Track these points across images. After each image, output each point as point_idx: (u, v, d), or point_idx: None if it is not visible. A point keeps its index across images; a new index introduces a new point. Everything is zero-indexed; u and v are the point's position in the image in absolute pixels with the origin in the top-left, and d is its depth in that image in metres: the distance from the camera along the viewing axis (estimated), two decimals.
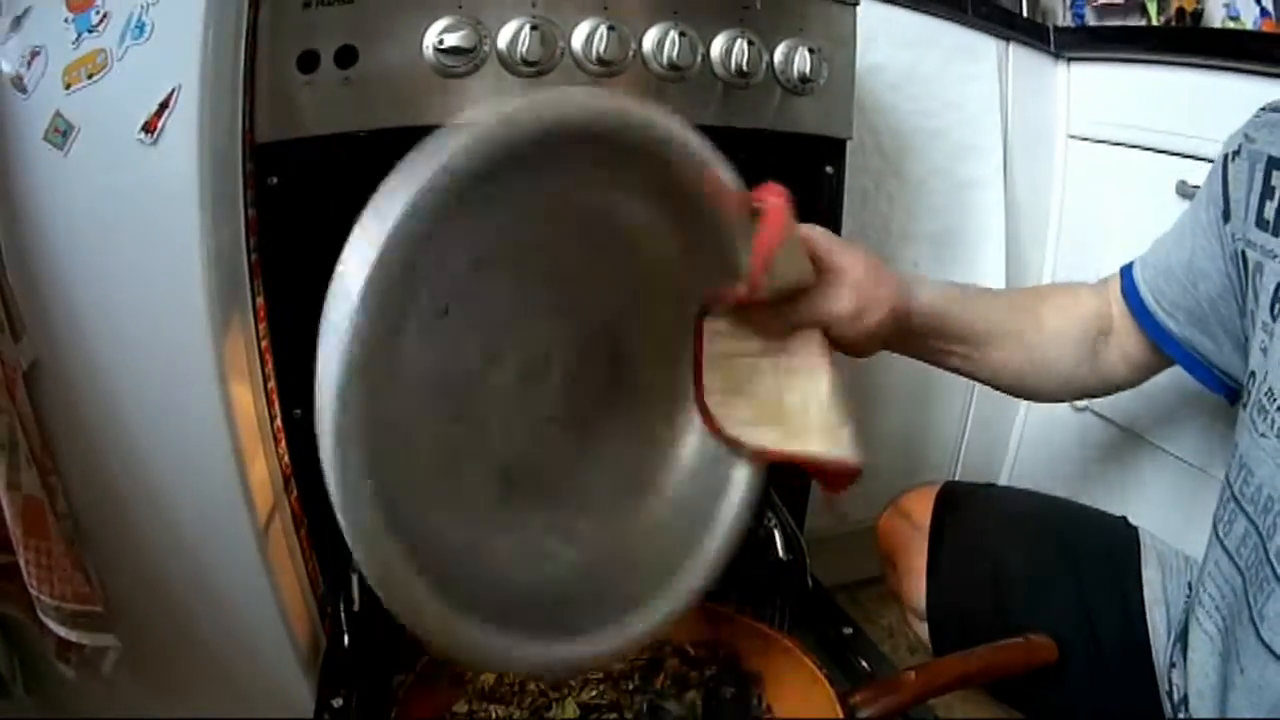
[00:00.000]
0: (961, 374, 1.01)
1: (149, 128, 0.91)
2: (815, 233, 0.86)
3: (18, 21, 0.93)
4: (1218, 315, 0.89)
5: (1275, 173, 0.80)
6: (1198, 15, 1.45)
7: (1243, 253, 0.83)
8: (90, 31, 0.91)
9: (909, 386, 1.70)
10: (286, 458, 1.09)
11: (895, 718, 0.87)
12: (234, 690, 1.18)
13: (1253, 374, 0.81)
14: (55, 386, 0.98)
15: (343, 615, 1.06)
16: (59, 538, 0.98)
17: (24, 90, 0.92)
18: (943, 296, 0.94)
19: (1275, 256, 0.79)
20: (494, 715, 0.90)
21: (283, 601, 1.10)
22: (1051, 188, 1.71)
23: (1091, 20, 1.83)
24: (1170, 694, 0.92)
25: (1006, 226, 1.64)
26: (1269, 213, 0.80)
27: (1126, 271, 0.99)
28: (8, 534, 0.98)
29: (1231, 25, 1.58)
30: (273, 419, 1.06)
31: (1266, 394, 0.78)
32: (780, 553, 1.21)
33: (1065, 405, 1.65)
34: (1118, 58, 1.57)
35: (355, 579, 1.07)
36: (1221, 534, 0.85)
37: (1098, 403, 1.57)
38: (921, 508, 1.13)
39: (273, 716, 1.15)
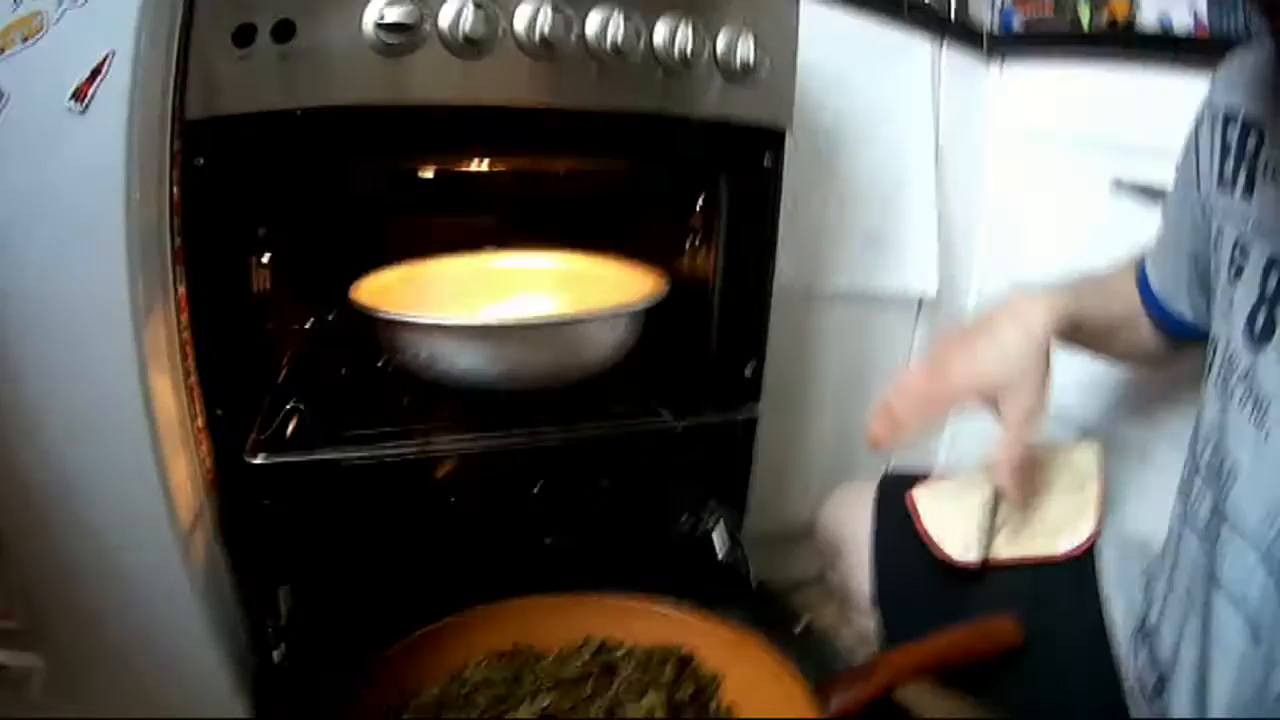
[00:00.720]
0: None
1: (79, 95, 0.87)
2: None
3: None
4: (1197, 274, 0.94)
5: (1230, 128, 0.81)
6: (1129, 26, 1.51)
7: (1210, 220, 0.86)
8: None
9: (840, 386, 1.73)
10: (210, 462, 1.05)
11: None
12: (167, 710, 1.12)
13: (1214, 340, 0.83)
14: None
15: (270, 630, 1.05)
16: None
17: None
18: (1075, 312, 0.96)
19: (1234, 217, 0.80)
20: None
21: (209, 615, 1.06)
22: (982, 186, 1.75)
23: (1019, 31, 1.88)
24: (1135, 686, 0.92)
25: (939, 224, 1.67)
26: (1228, 170, 0.82)
27: (1141, 271, 1.05)
28: None
29: None
30: (193, 418, 1.03)
31: (1227, 360, 0.79)
32: (720, 555, 1.24)
33: None
34: (1050, 57, 1.63)
35: (282, 594, 1.07)
36: (1186, 501, 0.86)
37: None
38: (862, 499, 1.14)
39: None
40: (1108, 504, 1.02)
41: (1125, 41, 1.49)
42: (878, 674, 0.90)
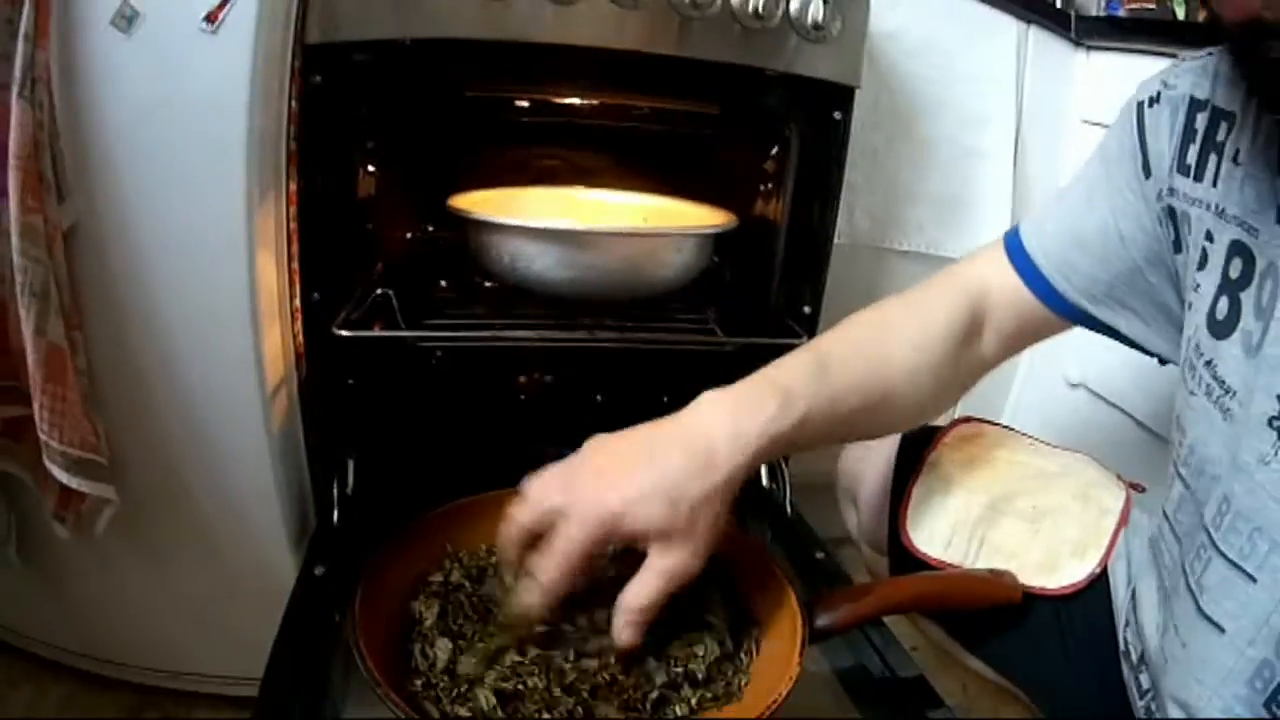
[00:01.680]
0: None
1: (211, 18, 1.02)
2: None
3: None
4: (1142, 284, 0.87)
5: (1199, 115, 0.79)
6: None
7: (1169, 206, 0.81)
8: None
9: None
10: (301, 337, 1.20)
11: (854, 628, 0.93)
12: (221, 558, 1.28)
13: (1185, 334, 0.80)
14: (91, 249, 1.09)
15: (335, 495, 1.19)
16: (75, 387, 1.09)
17: None
18: (774, 447, 0.83)
19: (1198, 203, 0.78)
20: (470, 589, 0.94)
21: (280, 473, 1.21)
22: (1061, 168, 1.79)
23: (1123, 15, 1.89)
24: (1127, 654, 0.92)
25: (1014, 198, 1.73)
26: (1191, 157, 0.79)
27: (1015, 248, 0.94)
28: (18, 389, 1.11)
29: None
30: (292, 298, 1.18)
31: (1194, 349, 0.77)
32: (764, 481, 1.33)
33: (1060, 380, 1.75)
34: (1137, 49, 1.65)
35: (351, 464, 1.21)
36: (1165, 499, 0.85)
37: (1091, 380, 1.66)
38: (883, 448, 1.14)
39: (257, 589, 1.22)
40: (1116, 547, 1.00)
41: (1211, 34, 1.52)
42: (870, 598, 0.92)
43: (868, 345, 0.94)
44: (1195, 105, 0.79)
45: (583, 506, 0.76)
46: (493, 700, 0.78)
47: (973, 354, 0.96)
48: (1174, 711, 0.78)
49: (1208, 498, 0.74)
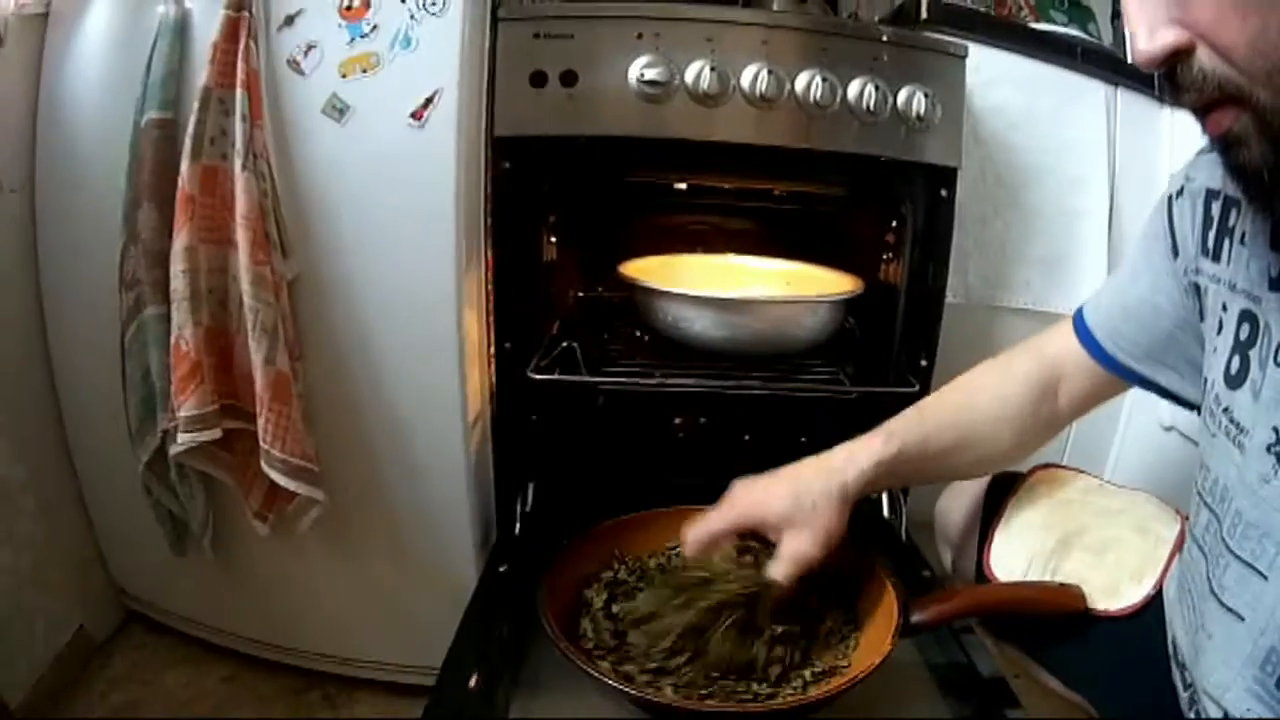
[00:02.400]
0: None
1: (416, 115, 1.27)
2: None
3: (291, 19, 1.28)
4: (1177, 347, 0.98)
5: (1214, 203, 0.89)
6: None
7: (1194, 283, 0.92)
8: (363, 37, 1.27)
9: None
10: (494, 379, 1.43)
11: (943, 624, 1.09)
12: (409, 558, 1.49)
13: (1205, 382, 0.90)
14: (311, 297, 1.34)
15: (518, 510, 1.41)
16: (296, 407, 1.31)
17: (301, 73, 1.29)
18: (877, 471, 1.07)
19: (1217, 280, 0.87)
20: (631, 583, 1.14)
21: (473, 491, 1.43)
22: None
23: None
24: (1175, 657, 0.99)
25: (1109, 254, 1.84)
26: (1210, 241, 0.89)
27: (1079, 320, 1.09)
28: (239, 404, 1.33)
29: None
30: (488, 346, 1.41)
31: (1214, 399, 0.87)
32: (885, 512, 1.51)
33: (1155, 425, 1.85)
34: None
35: (531, 486, 1.43)
36: (1191, 525, 0.94)
37: (1180, 424, 1.75)
38: (974, 492, 1.28)
39: (439, 589, 1.44)
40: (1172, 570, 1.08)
41: None
42: (957, 600, 1.09)
43: (958, 398, 1.17)
44: (1211, 195, 0.89)
45: (729, 506, 1.07)
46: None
47: (1049, 409, 1.12)
48: (1207, 701, 0.86)
49: (1225, 516, 0.83)
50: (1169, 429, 1.82)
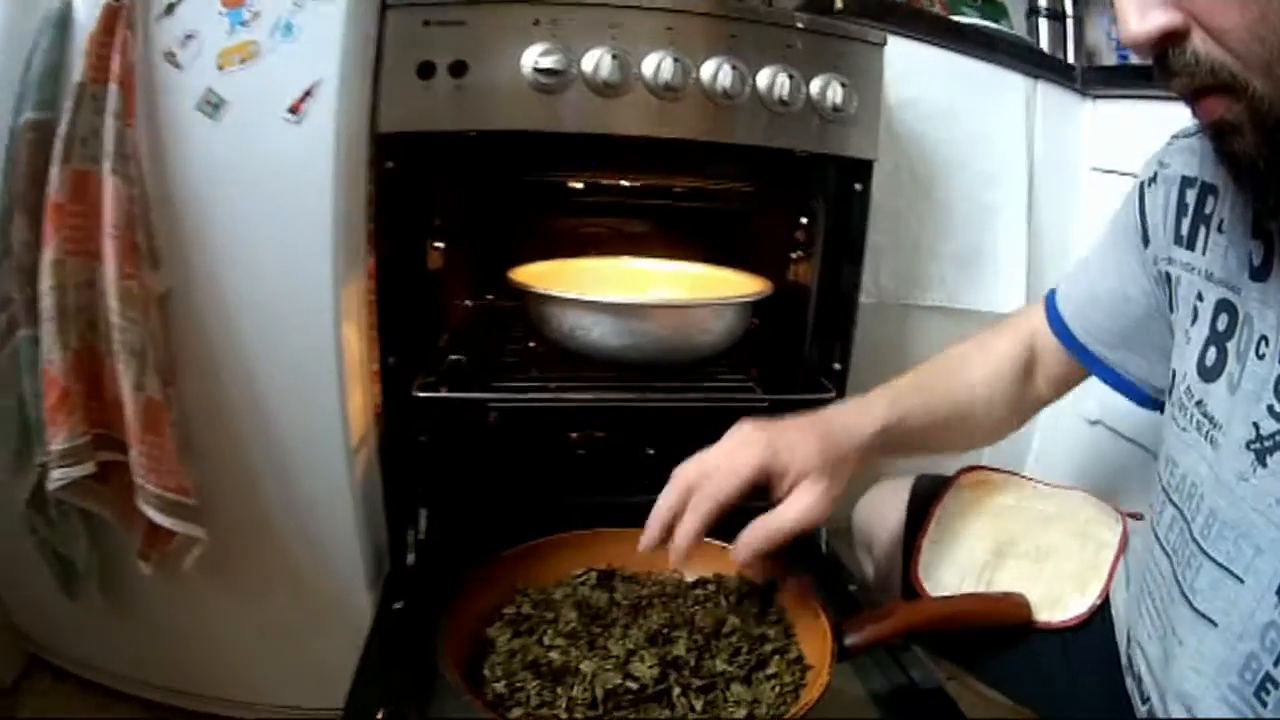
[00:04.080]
0: None
1: (294, 109, 1.18)
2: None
3: (171, 8, 1.19)
4: (1147, 334, 1.00)
5: (1188, 191, 0.90)
6: None
7: (1165, 272, 0.93)
8: (243, 25, 1.18)
9: None
10: (378, 397, 1.35)
11: (879, 645, 1.05)
12: (301, 595, 1.42)
13: (1174, 374, 0.90)
14: (184, 313, 1.24)
15: (410, 539, 1.33)
16: (171, 437, 1.22)
17: (178, 66, 1.19)
18: (883, 437, 1.05)
19: (1191, 269, 0.88)
20: (544, 616, 1.08)
21: (362, 520, 1.35)
22: (1074, 216, 1.91)
23: (1136, 60, 2.00)
24: (1131, 668, 0.98)
25: (1028, 250, 1.85)
26: (1184, 229, 0.90)
27: (1051, 305, 1.11)
28: (113, 434, 1.23)
29: None
30: (371, 362, 1.33)
31: (1185, 392, 0.87)
32: None
33: (1079, 418, 1.84)
34: (1139, 95, 1.77)
35: (422, 512, 1.35)
36: (1154, 523, 0.92)
37: (1108, 418, 1.76)
38: (894, 498, 1.28)
39: (333, 625, 1.37)
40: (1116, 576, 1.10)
41: None
42: (892, 619, 1.05)
43: (950, 370, 1.16)
44: (1186, 183, 0.91)
45: (757, 439, 1.01)
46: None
47: (1031, 390, 1.15)
48: (1178, 709, 0.85)
49: (1196, 515, 0.83)
50: (1095, 423, 1.83)
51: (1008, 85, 1.82)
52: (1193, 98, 0.68)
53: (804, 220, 1.54)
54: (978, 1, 2.05)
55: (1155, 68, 0.68)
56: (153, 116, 1.19)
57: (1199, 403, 0.85)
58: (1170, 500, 0.88)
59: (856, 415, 1.06)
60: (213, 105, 1.19)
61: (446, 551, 1.29)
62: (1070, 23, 2.06)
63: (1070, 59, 2.02)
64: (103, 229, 1.17)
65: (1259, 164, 0.66)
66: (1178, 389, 0.89)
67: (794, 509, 0.99)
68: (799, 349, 1.55)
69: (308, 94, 1.18)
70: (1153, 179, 0.96)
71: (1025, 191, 1.85)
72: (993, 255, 1.86)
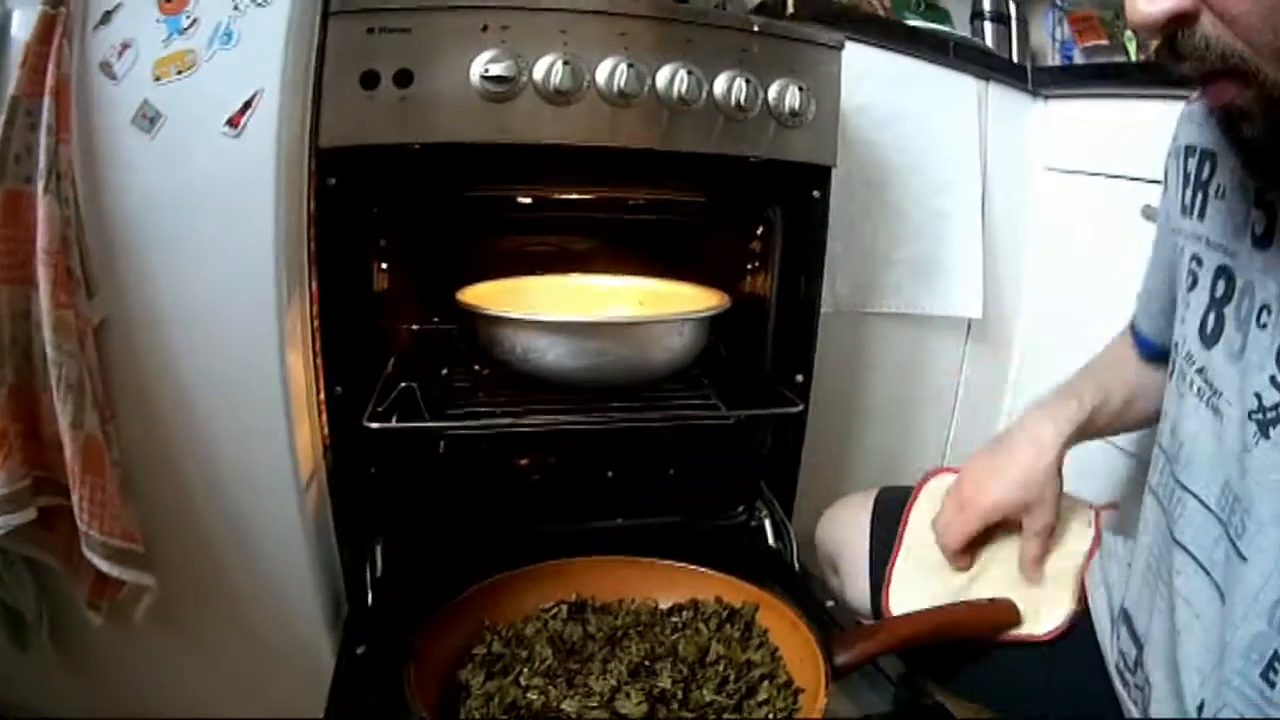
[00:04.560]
0: None
1: (233, 122, 1.12)
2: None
3: (108, 15, 1.12)
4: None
5: (1190, 159, 0.92)
6: None
7: (1174, 242, 0.96)
8: (180, 33, 1.11)
9: (892, 407, 1.91)
10: (325, 430, 1.29)
11: (869, 662, 1.04)
12: (257, 641, 1.34)
13: (1175, 343, 0.93)
14: (121, 343, 1.17)
15: (367, 578, 1.27)
16: (113, 478, 1.15)
17: (113, 77, 1.12)
18: (1083, 420, 1.16)
19: (1194, 236, 0.90)
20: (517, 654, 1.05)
21: (315, 559, 1.28)
22: (1028, 216, 1.92)
23: (1080, 60, 2.04)
24: (1121, 665, 1.01)
25: (986, 251, 1.84)
26: (1188, 198, 0.92)
27: (1134, 331, 1.21)
28: (54, 477, 1.15)
29: None
30: (318, 392, 1.27)
31: (1186, 357, 0.89)
32: (770, 541, 1.43)
33: None
34: (1090, 93, 1.79)
35: (378, 548, 1.29)
36: (1152, 483, 0.97)
37: None
38: (860, 512, 1.30)
39: (293, 670, 1.30)
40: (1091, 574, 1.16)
41: (1156, 70, 1.62)
42: (881, 635, 1.06)
43: (1117, 370, 1.23)
44: (1189, 152, 0.93)
45: (970, 508, 1.16)
46: None
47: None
48: (1187, 696, 0.84)
49: (1177, 457, 0.88)
50: None
51: (959, 87, 1.81)
52: (1201, 80, 0.67)
53: (760, 230, 1.51)
54: (920, 7, 2.04)
55: (1163, 51, 0.67)
56: (86, 132, 1.13)
57: (1200, 370, 0.86)
58: (1164, 452, 0.94)
59: (1049, 431, 1.15)
60: (148, 119, 1.12)
61: (406, 589, 1.23)
62: (1015, 25, 2.05)
63: (1016, 61, 2.01)
64: (36, 253, 1.09)
65: (1270, 150, 0.67)
66: (1179, 356, 0.91)
67: (1027, 546, 1.16)
68: (758, 361, 1.51)
69: (248, 105, 1.12)
70: (1170, 153, 0.99)
71: (979, 194, 1.84)
72: (949, 260, 1.84)
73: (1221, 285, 0.85)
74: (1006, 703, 1.12)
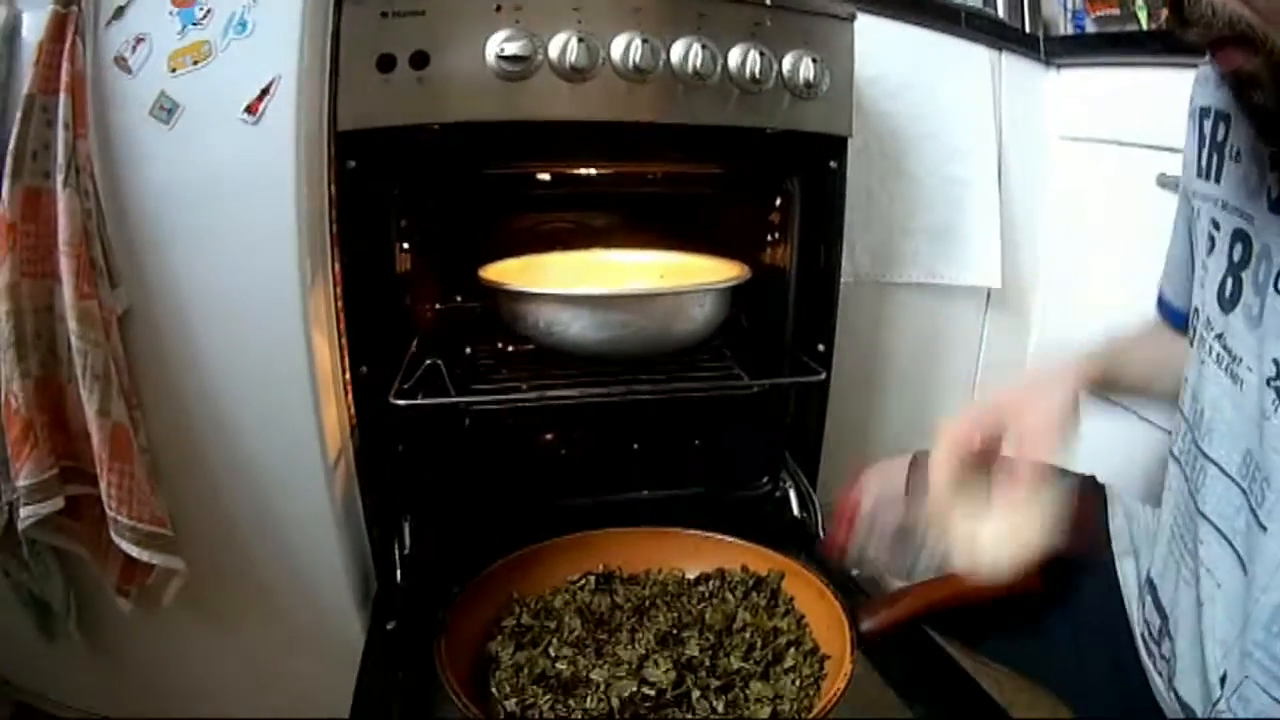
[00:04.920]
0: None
1: (251, 109, 1.13)
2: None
3: (120, 11, 1.14)
4: None
5: (1205, 121, 0.91)
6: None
7: (1193, 206, 0.94)
8: (194, 25, 1.13)
9: (913, 368, 1.92)
10: (352, 409, 1.30)
11: (895, 629, 1.03)
12: (287, 625, 1.37)
13: (1195, 310, 0.91)
14: (145, 332, 1.19)
15: (396, 556, 1.29)
16: (141, 464, 1.17)
17: (129, 71, 1.14)
18: (1100, 376, 1.06)
19: (1210, 199, 0.89)
20: (545, 626, 1.07)
21: (344, 538, 1.30)
22: (1043, 185, 1.91)
23: (1091, 30, 2.01)
24: (1147, 632, 0.99)
25: (1001, 221, 1.84)
26: (1203, 160, 0.91)
27: (1161, 300, 1.14)
28: (81, 466, 1.18)
29: None
30: (344, 372, 1.28)
31: (1205, 323, 0.88)
32: (795, 511, 1.45)
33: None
34: (1103, 62, 1.78)
35: (406, 525, 1.31)
36: (1174, 451, 0.95)
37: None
38: (895, 475, 1.22)
39: (324, 652, 1.32)
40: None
41: (1168, 38, 1.54)
42: (906, 601, 1.06)
43: (1146, 336, 1.16)
44: (1203, 114, 0.91)
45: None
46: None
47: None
48: (1213, 651, 0.83)
49: (1200, 424, 0.86)
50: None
51: (972, 57, 1.81)
52: (1209, 47, 0.67)
53: (779, 202, 1.52)
54: None
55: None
56: (104, 126, 1.15)
57: (1219, 335, 0.85)
58: (1186, 421, 0.91)
59: (1073, 366, 1.04)
60: (166, 110, 1.14)
61: (435, 565, 1.24)
62: None
63: (1028, 31, 2.00)
64: (57, 247, 1.12)
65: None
66: (1198, 322, 0.90)
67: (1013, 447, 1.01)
68: (779, 334, 1.52)
69: (265, 92, 1.14)
70: (1189, 116, 0.96)
71: (995, 163, 1.84)
72: (966, 228, 1.84)
73: (1239, 249, 0.83)
74: (1035, 663, 1.10)
